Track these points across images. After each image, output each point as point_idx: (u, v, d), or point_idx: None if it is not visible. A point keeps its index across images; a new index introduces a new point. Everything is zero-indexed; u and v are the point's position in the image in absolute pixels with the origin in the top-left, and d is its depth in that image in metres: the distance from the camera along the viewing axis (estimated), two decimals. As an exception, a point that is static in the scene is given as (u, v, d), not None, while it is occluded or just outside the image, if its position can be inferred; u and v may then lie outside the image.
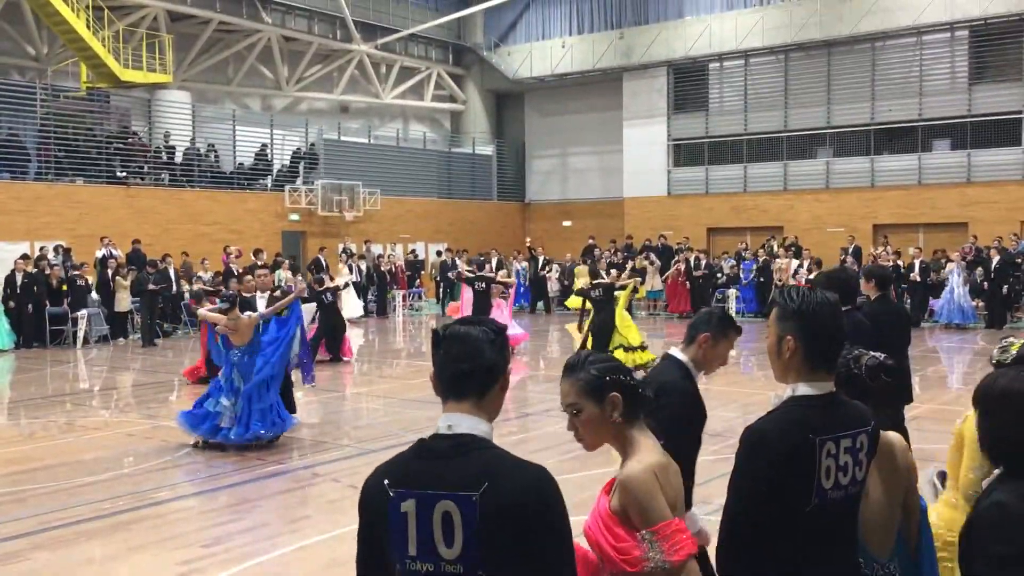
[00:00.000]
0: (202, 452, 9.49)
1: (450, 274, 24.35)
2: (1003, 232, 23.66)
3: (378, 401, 12.84)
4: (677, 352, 3.86)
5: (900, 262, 22.09)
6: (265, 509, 7.70)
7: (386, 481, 2.18)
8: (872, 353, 4.71)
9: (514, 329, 17.55)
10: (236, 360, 9.62)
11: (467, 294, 17.75)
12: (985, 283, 21.22)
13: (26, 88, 23.77)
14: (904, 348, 7.63)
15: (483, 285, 17.32)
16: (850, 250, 24.28)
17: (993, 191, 26.19)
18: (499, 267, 24.82)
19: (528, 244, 29.32)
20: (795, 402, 2.61)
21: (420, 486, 2.15)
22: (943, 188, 27.04)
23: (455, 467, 2.15)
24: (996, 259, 21.10)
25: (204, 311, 10.45)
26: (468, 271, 18.54)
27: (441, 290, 27.40)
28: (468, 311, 17.40)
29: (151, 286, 19.51)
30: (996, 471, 2.59)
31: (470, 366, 2.24)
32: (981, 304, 21.50)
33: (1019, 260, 21.45)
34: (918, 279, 21.72)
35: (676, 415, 3.53)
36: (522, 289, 28.04)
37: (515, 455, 2.24)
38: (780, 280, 22.89)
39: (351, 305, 24.01)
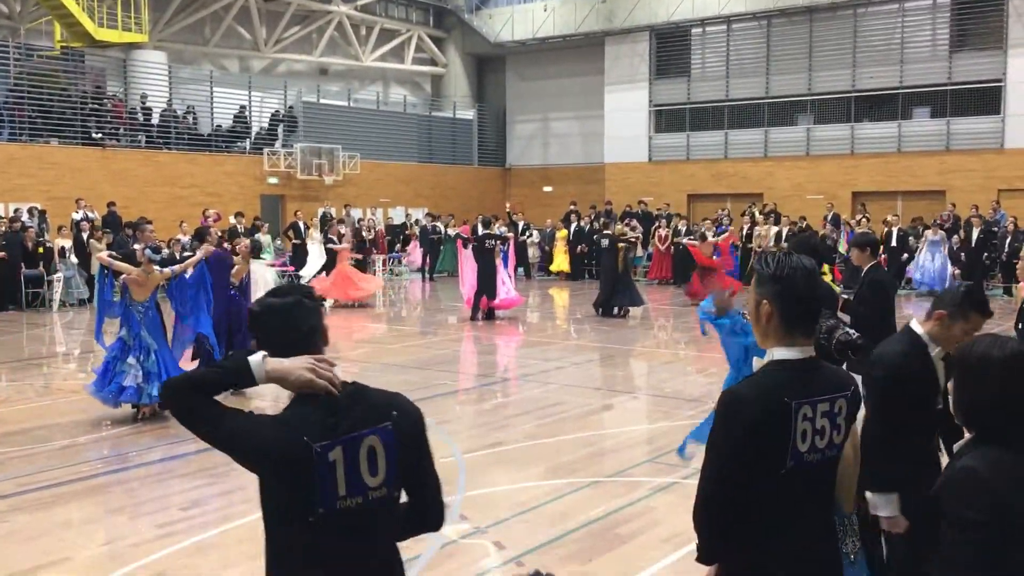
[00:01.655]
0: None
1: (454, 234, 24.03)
2: (980, 200, 23.82)
3: (354, 366, 12.84)
4: (916, 324, 3.85)
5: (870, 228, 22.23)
6: (243, 472, 7.66)
7: (305, 437, 2.38)
8: (846, 329, 4.76)
9: (509, 292, 17.60)
10: (142, 316, 9.30)
11: (467, 259, 17.67)
12: (963, 253, 21.37)
13: (-2, 47, 23.37)
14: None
15: (493, 243, 17.36)
16: (829, 217, 24.41)
17: (971, 159, 26.32)
18: (489, 224, 24.83)
19: (508, 209, 29.23)
20: (773, 366, 2.62)
21: (344, 432, 2.42)
22: (922, 156, 27.15)
23: (361, 408, 2.48)
24: (978, 228, 21.24)
25: (106, 256, 9.82)
26: (485, 233, 18.27)
27: (425, 254, 27.14)
28: (469, 274, 17.39)
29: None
30: (968, 435, 2.63)
31: (300, 333, 2.52)
32: (958, 272, 21.66)
33: (995, 229, 21.62)
34: (895, 246, 21.86)
35: (886, 391, 3.60)
36: (505, 253, 27.91)
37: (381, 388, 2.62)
38: (759, 247, 22.98)
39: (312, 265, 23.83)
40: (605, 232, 18.54)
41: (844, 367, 4.17)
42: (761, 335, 2.69)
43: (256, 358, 2.43)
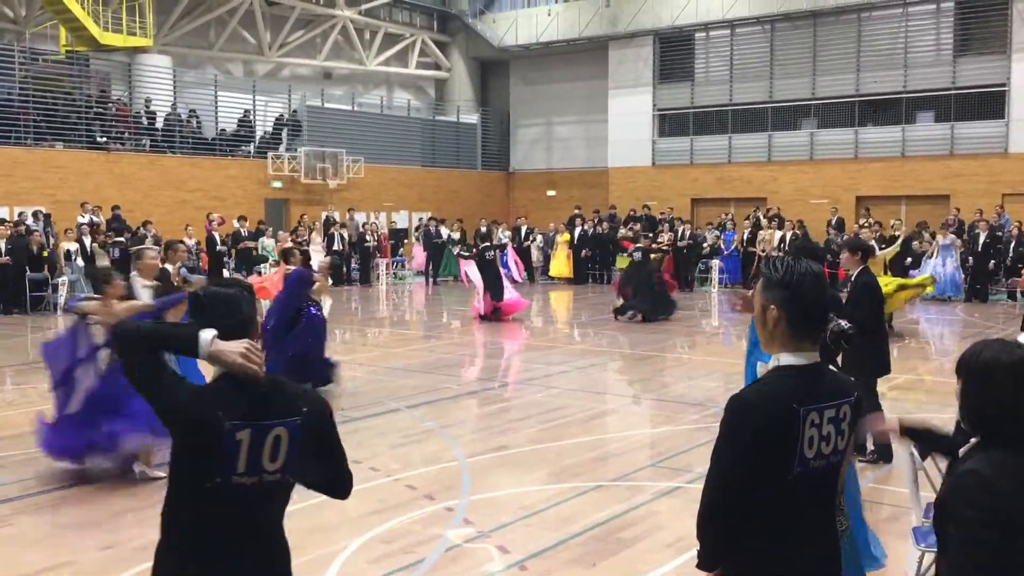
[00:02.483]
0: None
1: (457, 251, 24.07)
2: (984, 205, 23.80)
3: (360, 369, 12.85)
4: None
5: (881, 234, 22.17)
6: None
7: (220, 413, 2.62)
8: (838, 320, 4.84)
9: (510, 294, 17.68)
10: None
11: (470, 267, 17.76)
12: (969, 257, 21.34)
13: (4, 51, 23.42)
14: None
15: (493, 253, 17.50)
16: (833, 222, 24.42)
17: (975, 164, 26.29)
18: (488, 235, 24.96)
19: (519, 221, 29.20)
20: (780, 372, 2.62)
21: (255, 418, 2.66)
22: (926, 160, 27.12)
23: (278, 400, 2.73)
24: (984, 233, 21.20)
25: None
26: (484, 246, 18.43)
27: (428, 259, 27.15)
28: (478, 283, 17.50)
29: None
30: (973, 440, 2.63)
31: (239, 320, 2.74)
32: (961, 277, 21.64)
33: (999, 234, 21.61)
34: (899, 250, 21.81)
35: None
36: (505, 259, 27.96)
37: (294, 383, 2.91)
38: (763, 251, 22.99)
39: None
40: (638, 246, 18.47)
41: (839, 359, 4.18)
42: (767, 339, 2.68)
43: (206, 335, 2.67)
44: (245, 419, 2.65)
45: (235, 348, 2.67)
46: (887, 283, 14.13)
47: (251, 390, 2.69)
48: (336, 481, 2.96)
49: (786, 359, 2.62)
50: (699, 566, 2.67)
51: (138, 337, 2.67)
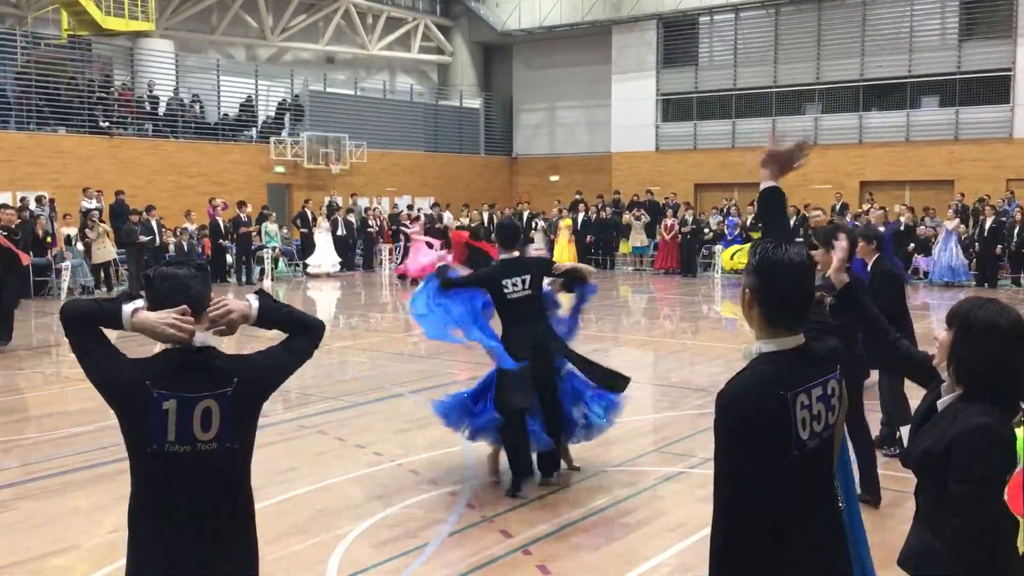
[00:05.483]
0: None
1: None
2: (988, 190, 23.72)
3: (364, 355, 12.86)
4: None
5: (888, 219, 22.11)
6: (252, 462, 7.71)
7: (148, 382, 2.71)
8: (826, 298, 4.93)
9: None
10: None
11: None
12: (978, 243, 21.28)
13: (5, 35, 23.37)
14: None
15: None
16: (838, 207, 24.35)
17: (980, 149, 26.20)
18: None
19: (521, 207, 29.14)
20: (762, 359, 2.58)
21: (182, 390, 2.73)
22: (930, 145, 27.02)
23: (210, 372, 2.78)
24: (991, 219, 21.13)
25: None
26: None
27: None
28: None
29: (141, 238, 19.53)
30: (957, 391, 2.75)
31: (187, 298, 2.80)
32: (963, 262, 21.58)
33: (1004, 219, 21.53)
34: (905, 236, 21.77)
35: None
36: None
37: (235, 353, 2.93)
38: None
39: (325, 258, 23.93)
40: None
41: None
42: (747, 320, 2.67)
43: (128, 307, 2.76)
44: (172, 390, 2.72)
45: (161, 319, 2.73)
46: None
47: (183, 362, 2.76)
48: (303, 349, 3.06)
49: (765, 347, 2.58)
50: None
51: (74, 316, 2.81)
